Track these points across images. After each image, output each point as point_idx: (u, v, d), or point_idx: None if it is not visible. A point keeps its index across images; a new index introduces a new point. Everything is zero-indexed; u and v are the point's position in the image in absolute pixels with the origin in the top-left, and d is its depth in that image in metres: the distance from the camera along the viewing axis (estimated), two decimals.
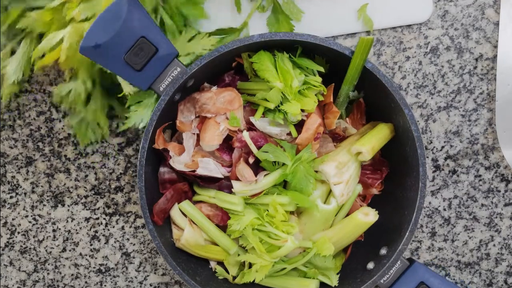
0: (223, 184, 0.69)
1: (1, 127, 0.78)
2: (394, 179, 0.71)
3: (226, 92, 0.68)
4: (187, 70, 0.65)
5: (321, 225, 0.69)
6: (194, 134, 0.70)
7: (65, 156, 0.78)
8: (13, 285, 0.80)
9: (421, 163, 0.64)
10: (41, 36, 0.69)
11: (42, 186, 0.79)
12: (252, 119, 0.68)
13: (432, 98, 0.76)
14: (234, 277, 0.71)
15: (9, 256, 0.79)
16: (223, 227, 0.70)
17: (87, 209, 0.78)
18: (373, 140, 0.68)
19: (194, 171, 0.69)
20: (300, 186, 0.67)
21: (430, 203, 0.77)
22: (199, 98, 0.69)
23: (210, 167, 0.69)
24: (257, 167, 0.68)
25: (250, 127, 0.69)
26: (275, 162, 0.68)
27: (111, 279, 0.79)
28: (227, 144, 0.70)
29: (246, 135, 0.67)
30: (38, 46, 0.66)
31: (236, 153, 0.69)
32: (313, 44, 0.65)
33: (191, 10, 0.71)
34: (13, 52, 0.71)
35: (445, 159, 0.77)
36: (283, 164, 0.68)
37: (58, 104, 0.77)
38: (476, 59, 0.76)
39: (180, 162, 0.69)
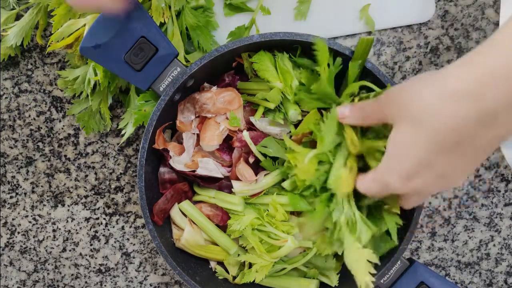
0: (223, 184, 0.69)
1: (1, 127, 0.78)
2: None
3: (226, 92, 0.68)
4: (187, 70, 0.65)
5: (321, 225, 0.69)
6: (194, 134, 0.70)
7: (65, 156, 0.78)
8: (13, 285, 0.80)
9: None
10: (50, 11, 0.70)
11: (42, 186, 0.79)
12: (252, 119, 0.68)
13: None
14: (234, 277, 0.71)
15: (9, 256, 0.79)
16: (223, 227, 0.70)
17: (87, 209, 0.78)
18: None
19: (194, 171, 0.69)
20: None
21: (430, 203, 0.77)
22: (199, 98, 0.69)
23: (210, 167, 0.69)
24: (257, 167, 0.69)
25: (250, 127, 0.69)
26: (274, 161, 0.68)
27: (111, 279, 0.79)
28: (227, 144, 0.70)
29: (246, 135, 0.67)
30: (59, 30, 0.68)
31: (236, 153, 0.69)
32: (313, 44, 0.65)
33: (200, 37, 0.71)
34: (18, 18, 0.73)
35: None
36: (283, 163, 0.68)
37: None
38: None
39: (180, 162, 0.69)
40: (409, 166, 0.50)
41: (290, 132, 0.68)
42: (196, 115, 0.70)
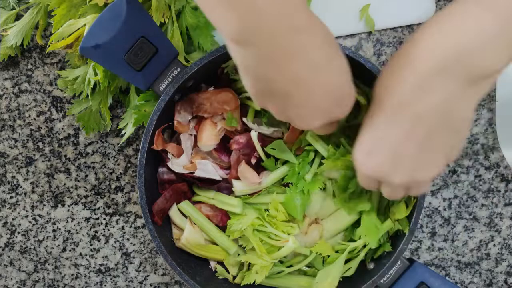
0: (222, 186, 0.69)
1: (1, 127, 0.78)
2: None
3: (223, 93, 0.68)
4: (187, 70, 0.65)
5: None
6: (191, 135, 0.70)
7: (65, 156, 0.78)
8: (13, 285, 0.80)
9: None
10: (50, 11, 0.70)
11: (42, 186, 0.79)
12: (244, 119, 0.68)
13: None
14: (234, 277, 0.71)
15: (9, 256, 0.79)
16: (223, 227, 0.70)
17: (87, 209, 0.78)
18: None
19: (192, 172, 0.69)
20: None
21: (430, 203, 0.77)
22: (196, 98, 0.69)
23: (208, 170, 0.69)
24: (257, 166, 0.68)
25: (246, 127, 0.69)
26: (276, 161, 0.68)
27: (111, 279, 0.79)
28: (225, 145, 0.70)
29: (254, 136, 0.66)
30: (59, 30, 0.68)
31: (234, 155, 0.68)
32: None
33: (200, 37, 0.71)
34: (18, 18, 0.74)
35: None
36: (284, 162, 0.68)
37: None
38: None
39: (178, 164, 0.69)
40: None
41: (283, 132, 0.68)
42: (193, 115, 0.70)
